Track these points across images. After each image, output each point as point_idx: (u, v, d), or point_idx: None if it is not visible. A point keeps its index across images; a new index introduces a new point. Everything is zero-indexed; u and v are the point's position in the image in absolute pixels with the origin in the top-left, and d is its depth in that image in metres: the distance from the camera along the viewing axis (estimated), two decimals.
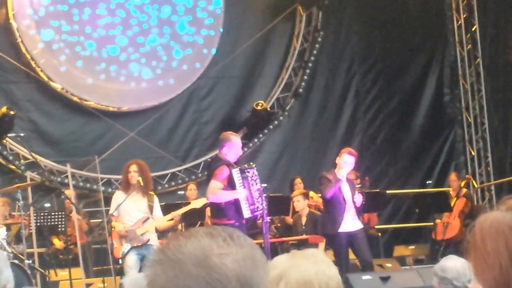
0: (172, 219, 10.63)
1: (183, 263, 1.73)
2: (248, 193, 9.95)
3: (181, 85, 15.24)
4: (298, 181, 13.66)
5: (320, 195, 11.72)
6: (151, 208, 10.29)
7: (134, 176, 10.20)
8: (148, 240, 10.20)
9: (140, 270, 9.85)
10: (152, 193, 10.50)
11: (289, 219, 13.08)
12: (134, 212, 10.24)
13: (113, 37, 14.84)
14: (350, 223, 10.80)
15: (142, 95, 15.02)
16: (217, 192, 9.85)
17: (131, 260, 10.14)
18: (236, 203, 9.88)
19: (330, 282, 2.67)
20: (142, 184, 10.15)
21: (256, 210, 10.01)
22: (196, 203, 10.65)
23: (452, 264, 5.07)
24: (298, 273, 2.66)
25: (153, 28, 15.14)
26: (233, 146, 10.07)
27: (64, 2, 14.56)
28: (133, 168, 10.25)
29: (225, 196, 9.85)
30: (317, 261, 2.69)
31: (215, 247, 1.74)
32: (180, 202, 12.30)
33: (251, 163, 10.79)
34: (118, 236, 10.26)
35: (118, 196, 10.35)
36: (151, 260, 1.77)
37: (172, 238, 1.79)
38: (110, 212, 10.46)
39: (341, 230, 10.71)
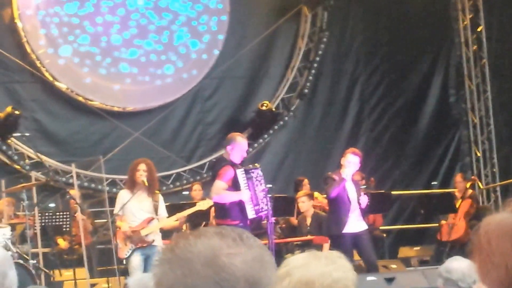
0: (177, 220, 10.60)
1: (192, 262, 1.72)
2: (252, 194, 9.94)
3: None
4: (306, 182, 13.61)
5: (325, 195, 11.70)
6: (156, 207, 10.21)
7: (143, 175, 10.14)
8: (153, 241, 10.16)
9: (144, 271, 9.80)
10: (157, 192, 10.44)
11: (294, 220, 13.05)
12: (138, 212, 10.17)
13: (129, 40, 14.88)
14: (355, 224, 10.78)
15: (147, 95, 15.02)
16: (221, 192, 9.83)
17: (136, 261, 10.09)
18: (240, 204, 9.86)
19: (334, 285, 2.65)
20: (146, 184, 10.10)
21: (260, 210, 9.99)
22: (202, 205, 10.60)
23: (457, 265, 5.04)
24: (303, 272, 2.65)
25: (166, 25, 15.16)
26: (238, 147, 10.05)
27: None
28: (142, 167, 10.16)
29: (229, 197, 9.83)
30: (327, 263, 2.68)
31: (224, 247, 1.74)
32: (185, 202, 12.29)
33: (256, 164, 10.78)
34: (123, 237, 10.21)
35: (123, 195, 10.29)
36: (159, 259, 1.77)
37: (181, 237, 1.78)
38: (115, 211, 10.40)
39: (346, 231, 10.68)
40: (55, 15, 14.45)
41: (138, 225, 10.13)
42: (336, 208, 10.84)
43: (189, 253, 1.73)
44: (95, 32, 14.68)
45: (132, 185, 10.20)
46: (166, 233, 11.07)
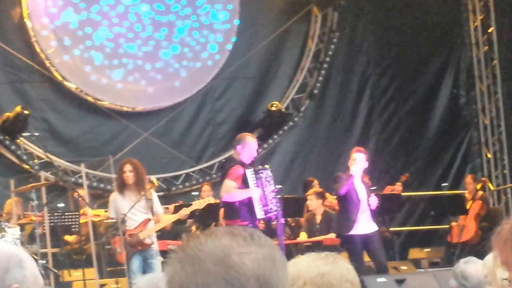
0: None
1: (202, 261, 1.72)
2: (261, 194, 9.90)
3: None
4: (316, 182, 13.56)
5: (334, 196, 11.69)
6: (150, 203, 10.13)
7: (130, 176, 10.06)
8: (152, 243, 10.13)
9: (143, 273, 9.74)
10: (148, 187, 10.27)
11: (303, 221, 13.00)
12: (136, 215, 10.07)
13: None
14: (365, 225, 10.76)
15: (157, 95, 15.00)
16: (231, 191, 9.81)
17: (135, 264, 10.06)
18: (249, 204, 9.84)
19: (318, 278, 2.63)
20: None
21: (269, 211, 9.96)
22: (198, 204, 10.57)
23: (473, 270, 4.95)
24: (290, 268, 2.65)
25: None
26: (248, 147, 10.04)
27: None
28: (128, 168, 10.10)
29: (240, 195, 9.81)
30: (315, 259, 2.67)
31: (235, 246, 1.74)
32: (190, 204, 12.22)
33: (266, 165, 10.75)
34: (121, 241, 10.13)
35: (115, 198, 10.20)
36: (171, 258, 1.77)
37: (192, 236, 1.78)
38: (109, 215, 10.33)
39: (356, 232, 10.67)
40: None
41: (135, 228, 10.07)
42: (346, 207, 10.84)
43: (200, 252, 1.73)
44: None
45: (122, 187, 10.14)
46: (172, 235, 11.03)
